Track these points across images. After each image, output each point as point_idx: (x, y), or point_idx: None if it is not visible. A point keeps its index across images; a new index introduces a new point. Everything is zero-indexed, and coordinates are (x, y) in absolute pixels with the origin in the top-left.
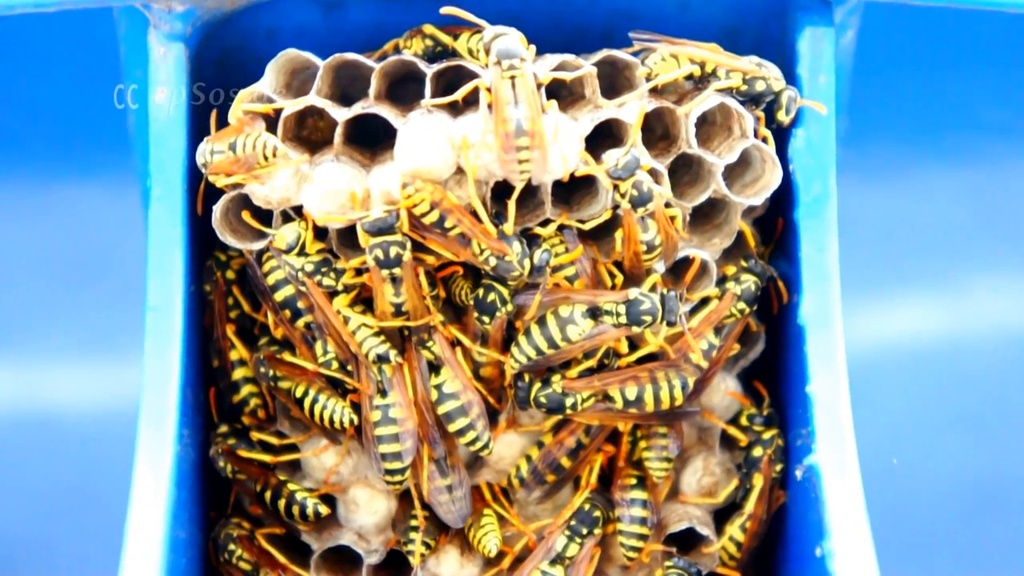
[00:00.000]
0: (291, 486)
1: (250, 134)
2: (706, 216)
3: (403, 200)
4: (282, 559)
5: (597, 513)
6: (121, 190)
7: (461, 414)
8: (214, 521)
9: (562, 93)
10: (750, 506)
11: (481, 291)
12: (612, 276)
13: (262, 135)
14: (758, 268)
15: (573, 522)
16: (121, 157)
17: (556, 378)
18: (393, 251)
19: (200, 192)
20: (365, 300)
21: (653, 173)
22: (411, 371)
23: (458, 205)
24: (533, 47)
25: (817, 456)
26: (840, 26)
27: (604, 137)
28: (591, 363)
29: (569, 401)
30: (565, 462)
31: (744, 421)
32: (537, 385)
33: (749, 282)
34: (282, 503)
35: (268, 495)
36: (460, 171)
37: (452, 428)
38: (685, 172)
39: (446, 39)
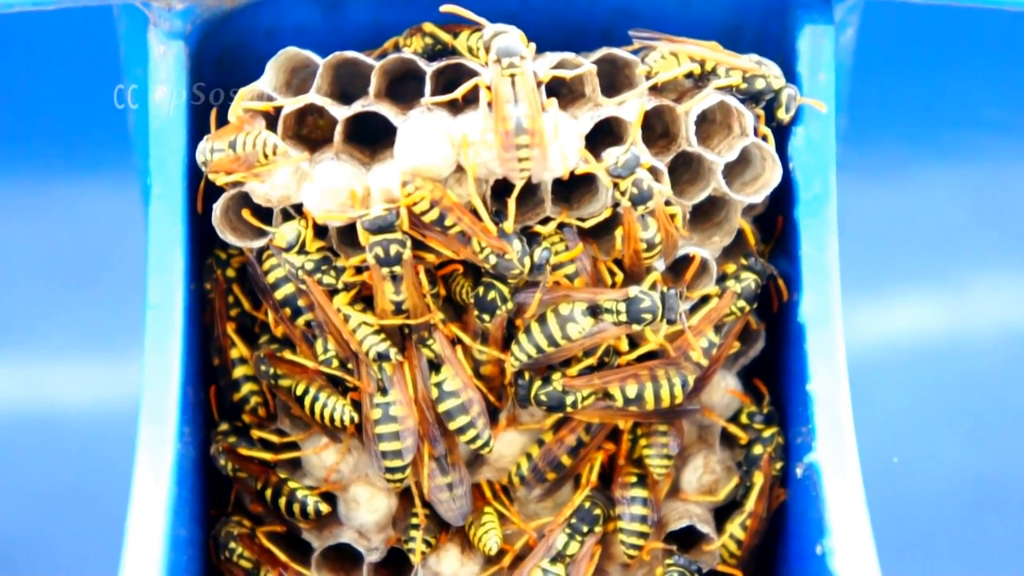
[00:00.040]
0: (292, 484)
1: (250, 132)
2: (706, 214)
3: (403, 198)
4: (283, 557)
5: (598, 511)
6: (121, 188)
7: (461, 412)
8: (215, 519)
9: (562, 91)
10: (750, 504)
11: (481, 289)
12: (612, 274)
13: (262, 133)
14: (758, 266)
15: (574, 520)
16: (121, 155)
17: (556, 376)
18: (393, 249)
19: (200, 190)
20: (365, 298)
21: (653, 171)
22: (411, 369)
23: (458, 203)
24: (533, 45)
25: (817, 454)
26: (840, 24)
27: (604, 135)
28: (591, 361)
29: (569, 399)
30: (565, 460)
31: (744, 419)
32: (537, 383)
33: (749, 280)
34: (283, 501)
35: (269, 493)
36: (460, 169)
37: (452, 426)
38: (685, 170)
39: (446, 37)
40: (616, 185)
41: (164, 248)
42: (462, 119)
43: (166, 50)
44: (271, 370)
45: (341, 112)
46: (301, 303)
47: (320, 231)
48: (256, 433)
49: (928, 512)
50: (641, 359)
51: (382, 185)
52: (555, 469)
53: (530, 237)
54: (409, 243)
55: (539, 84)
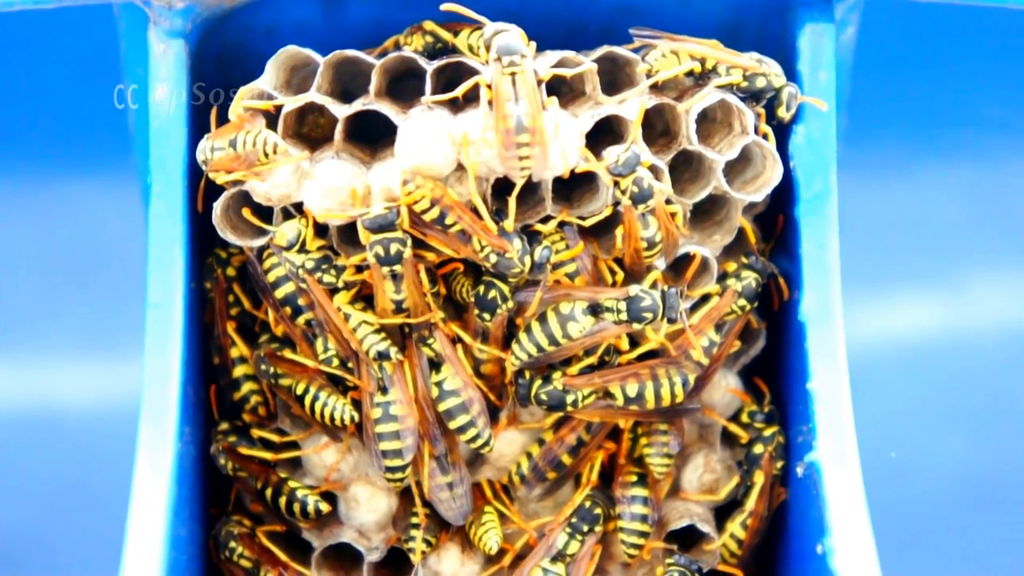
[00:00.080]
0: (292, 483)
1: (250, 131)
2: (707, 213)
3: (403, 197)
4: (283, 557)
5: (598, 510)
6: (121, 187)
7: (462, 411)
8: (215, 518)
9: (562, 90)
10: (751, 503)
11: (482, 288)
12: (613, 273)
13: (262, 132)
14: (759, 265)
15: (574, 519)
16: (121, 154)
17: (557, 375)
18: (394, 248)
19: (200, 189)
20: (366, 297)
21: (654, 169)
22: (412, 368)
23: (459, 202)
24: (533, 43)
25: (818, 453)
26: (840, 22)
27: (605, 134)
28: (592, 360)
29: (570, 398)
30: (566, 459)
31: (745, 418)
32: (538, 382)
33: (750, 279)
34: (283, 500)
35: (269, 492)
36: (461, 168)
37: (453, 425)
38: (686, 168)
39: (446, 36)
40: (617, 183)
41: (164, 247)
42: (463, 118)
43: (166, 49)
44: (271, 369)
45: (341, 111)
46: (301, 302)
47: (320, 230)
48: (256, 432)
49: (928, 511)
50: (642, 358)
51: (382, 184)
52: (555, 468)
53: (531, 236)
54: (410, 242)
55: (540, 82)
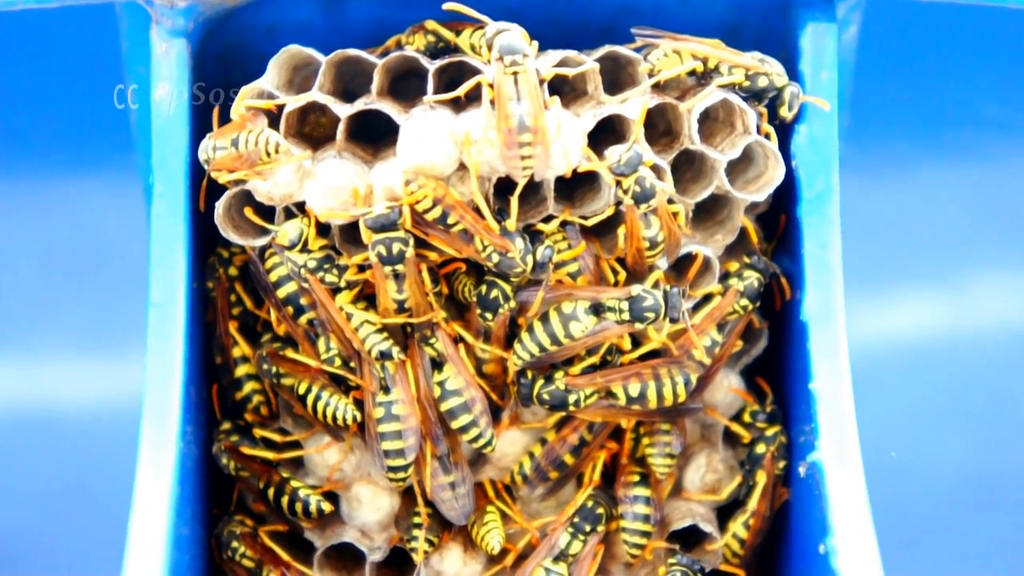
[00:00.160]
0: (294, 483)
1: (252, 130)
2: (709, 212)
3: (406, 196)
4: (285, 556)
5: (600, 510)
6: (123, 186)
7: (464, 411)
8: (217, 518)
9: (564, 89)
10: (753, 503)
11: (484, 287)
12: (615, 272)
13: (264, 131)
14: (761, 264)
15: (576, 519)
16: (123, 154)
17: (559, 375)
18: (396, 247)
19: (202, 188)
20: (368, 297)
21: (656, 169)
22: (414, 368)
23: (461, 201)
24: (535, 43)
25: (820, 453)
26: (842, 22)
27: (607, 133)
28: (594, 360)
29: (572, 398)
30: (568, 459)
31: (747, 418)
32: (540, 382)
33: (752, 278)
34: (285, 500)
35: (271, 492)
36: (463, 167)
37: (455, 425)
38: (688, 168)
39: (448, 35)
40: (619, 183)
41: (166, 246)
42: (465, 117)
43: (168, 48)
44: (273, 369)
45: (343, 110)
46: (303, 301)
47: (322, 229)
48: (258, 432)
49: (929, 510)
50: (644, 358)
51: (385, 183)
52: (558, 468)
53: (533, 235)
54: (412, 241)
55: (542, 82)
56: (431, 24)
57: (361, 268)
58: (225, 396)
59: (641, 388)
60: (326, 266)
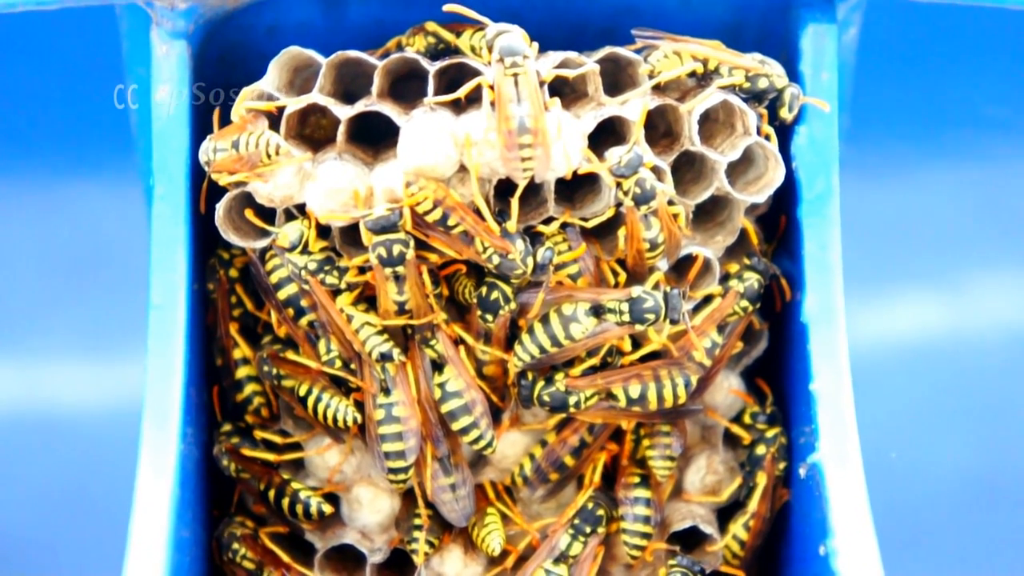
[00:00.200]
0: (295, 485)
1: (253, 132)
2: (709, 214)
3: (406, 198)
4: (286, 558)
5: (601, 512)
6: (124, 188)
7: (464, 412)
8: (218, 520)
9: (565, 91)
10: (753, 504)
11: (484, 289)
12: (615, 274)
13: (265, 133)
14: (761, 266)
15: (577, 520)
16: (124, 155)
17: (559, 376)
18: (396, 249)
19: (203, 190)
20: (368, 298)
21: (656, 170)
22: (414, 369)
23: (461, 203)
24: (536, 44)
25: (820, 454)
26: (843, 23)
27: (607, 134)
28: (594, 361)
29: (572, 399)
30: (568, 460)
31: (747, 419)
32: (540, 383)
33: (752, 280)
34: (286, 502)
35: (272, 494)
36: (463, 169)
37: (455, 426)
38: (688, 169)
39: (449, 36)
40: (619, 185)
41: (167, 248)
42: (465, 119)
43: (168, 50)
44: (274, 370)
45: (344, 112)
46: (304, 303)
47: (323, 231)
48: (259, 434)
49: (929, 511)
50: (644, 359)
51: (385, 185)
52: (558, 469)
53: (533, 237)
54: (412, 243)
55: (542, 83)
56: (431, 25)
57: (362, 270)
58: (226, 398)
59: (641, 389)
60: (326, 268)
